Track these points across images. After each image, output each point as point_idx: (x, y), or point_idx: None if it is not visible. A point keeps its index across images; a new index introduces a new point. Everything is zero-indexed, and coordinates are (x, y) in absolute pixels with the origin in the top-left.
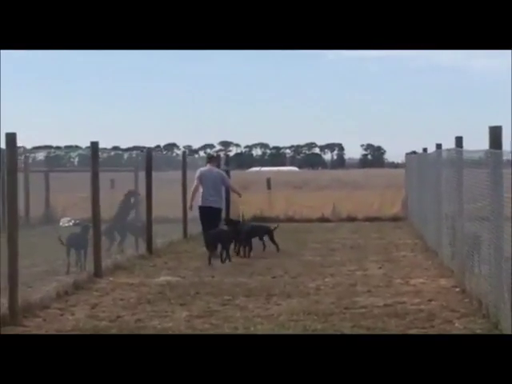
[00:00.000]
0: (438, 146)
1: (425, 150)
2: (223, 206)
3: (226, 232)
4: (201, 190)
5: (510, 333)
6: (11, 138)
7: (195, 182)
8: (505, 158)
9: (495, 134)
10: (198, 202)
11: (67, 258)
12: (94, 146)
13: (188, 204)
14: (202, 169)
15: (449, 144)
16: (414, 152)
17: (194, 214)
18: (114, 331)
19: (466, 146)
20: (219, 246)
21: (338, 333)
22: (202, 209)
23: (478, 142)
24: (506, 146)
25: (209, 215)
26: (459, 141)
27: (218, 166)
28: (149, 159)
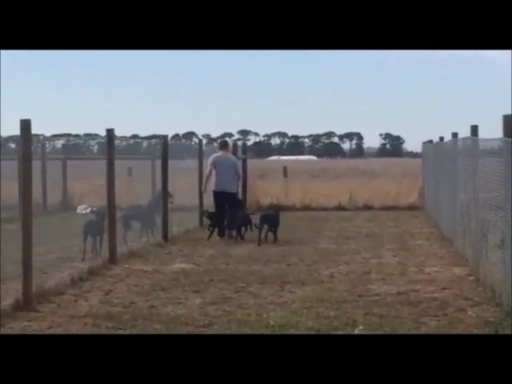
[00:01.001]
0: (454, 135)
1: (441, 138)
2: (238, 191)
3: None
4: (214, 175)
5: None
6: (26, 124)
7: (208, 167)
8: None
9: (509, 122)
10: (212, 186)
11: (83, 244)
12: (110, 133)
13: (202, 187)
14: (215, 155)
15: (466, 133)
16: (431, 141)
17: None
18: (127, 317)
19: (483, 134)
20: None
21: (338, 333)
22: (216, 193)
23: (495, 131)
24: None
25: (223, 199)
26: (475, 129)
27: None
28: (165, 147)
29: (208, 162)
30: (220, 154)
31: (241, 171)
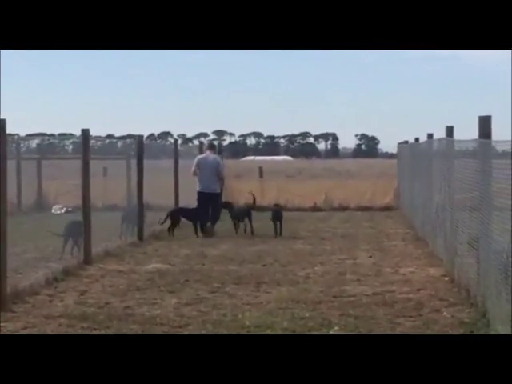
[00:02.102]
0: (430, 136)
1: (416, 139)
2: (221, 191)
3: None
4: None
5: (496, 322)
6: (0, 124)
7: (193, 168)
8: (500, 149)
9: (484, 123)
10: (197, 187)
11: (64, 244)
12: (85, 133)
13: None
14: (200, 156)
15: (441, 134)
16: (406, 142)
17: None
18: (101, 317)
19: (458, 135)
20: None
21: (336, 333)
22: (199, 193)
23: (470, 132)
24: (495, 136)
25: (206, 199)
26: (450, 130)
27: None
28: (140, 147)
29: (193, 163)
30: (205, 154)
31: (223, 172)
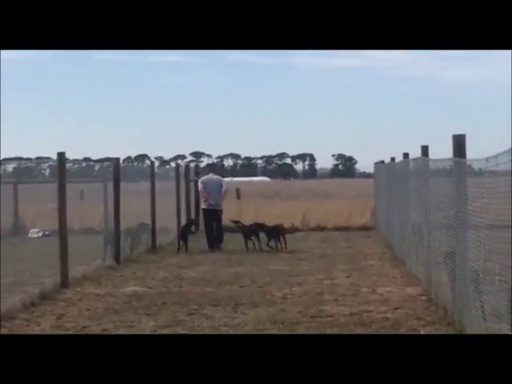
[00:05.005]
0: (405, 155)
1: (393, 159)
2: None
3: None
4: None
5: None
6: None
7: (200, 187)
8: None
9: (459, 142)
10: (202, 204)
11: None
12: (61, 156)
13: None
14: (204, 177)
15: (417, 153)
16: (383, 161)
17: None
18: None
19: (433, 154)
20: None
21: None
22: (205, 211)
23: (445, 151)
24: (469, 155)
25: (213, 215)
26: (425, 150)
27: (218, 175)
28: (116, 170)
29: (199, 184)
30: (209, 176)
31: (228, 189)
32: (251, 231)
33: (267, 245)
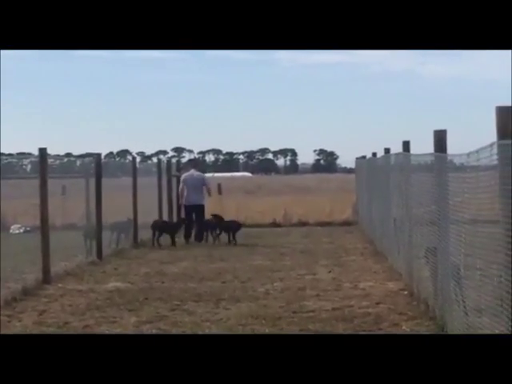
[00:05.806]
0: (387, 151)
1: (374, 154)
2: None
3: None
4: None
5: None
6: None
7: (181, 186)
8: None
9: (440, 137)
10: (184, 201)
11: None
12: (42, 152)
13: (180, 202)
14: (186, 174)
15: (398, 148)
16: (364, 157)
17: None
18: None
19: (415, 149)
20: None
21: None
22: (187, 207)
23: (426, 146)
24: (450, 150)
25: (193, 210)
26: (406, 145)
27: (199, 170)
28: (98, 165)
29: (181, 183)
30: (190, 172)
31: (209, 184)
32: (209, 224)
33: (217, 235)
